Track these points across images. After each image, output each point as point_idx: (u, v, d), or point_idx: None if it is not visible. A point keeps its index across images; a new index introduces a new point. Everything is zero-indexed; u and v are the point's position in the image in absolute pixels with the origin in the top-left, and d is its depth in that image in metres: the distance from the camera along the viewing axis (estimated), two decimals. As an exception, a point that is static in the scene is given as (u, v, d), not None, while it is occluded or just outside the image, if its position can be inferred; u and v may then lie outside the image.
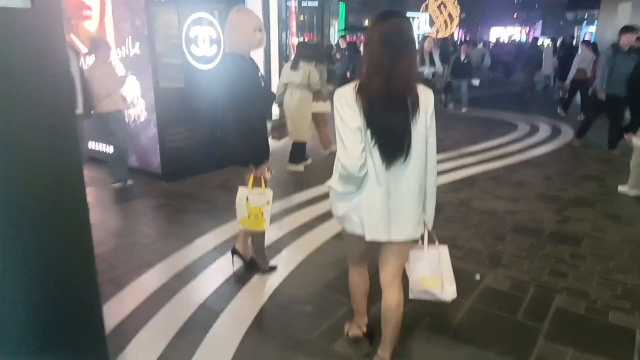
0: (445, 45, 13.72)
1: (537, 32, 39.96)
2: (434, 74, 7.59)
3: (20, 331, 1.48)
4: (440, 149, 2.12)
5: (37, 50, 1.22)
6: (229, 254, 3.32)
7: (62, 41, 1.30)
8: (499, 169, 5.98)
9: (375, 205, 1.97)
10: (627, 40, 6.39)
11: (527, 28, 42.65)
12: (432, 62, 7.54)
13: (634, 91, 5.53)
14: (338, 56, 11.70)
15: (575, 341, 2.57)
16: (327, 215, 4.21)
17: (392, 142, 1.91)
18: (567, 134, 8.12)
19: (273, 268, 3.35)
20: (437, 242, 2.17)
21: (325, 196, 4.72)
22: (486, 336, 2.62)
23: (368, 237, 2.03)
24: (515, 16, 43.70)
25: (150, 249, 3.67)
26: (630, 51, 6.37)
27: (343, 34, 13.65)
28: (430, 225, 2.13)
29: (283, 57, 9.36)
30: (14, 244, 1.38)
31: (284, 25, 9.55)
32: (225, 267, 3.35)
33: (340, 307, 2.83)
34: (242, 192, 2.89)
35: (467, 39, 34.97)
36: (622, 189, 5.14)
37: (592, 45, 10.10)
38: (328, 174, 2.10)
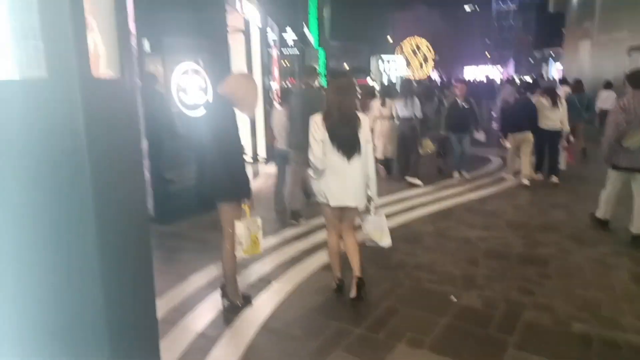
0: (427, 88, 12.23)
1: (511, 71, 41.80)
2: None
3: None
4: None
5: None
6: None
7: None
8: (473, 201, 6.38)
9: (332, 185, 3.32)
10: None
11: (500, 67, 44.60)
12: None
13: None
14: None
15: (541, 349, 2.86)
16: (313, 249, 4.51)
17: (349, 145, 3.28)
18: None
19: (247, 299, 3.53)
20: (380, 211, 3.56)
21: (309, 232, 5.05)
22: (459, 347, 2.90)
23: (332, 204, 3.36)
24: (488, 56, 45.72)
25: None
26: None
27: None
28: (375, 198, 3.46)
29: (267, 101, 9.81)
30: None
31: (266, 71, 10.04)
32: (219, 299, 3.58)
33: (327, 327, 3.09)
34: (242, 225, 3.15)
35: (444, 79, 36.28)
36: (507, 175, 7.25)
37: (521, 83, 14.05)
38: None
